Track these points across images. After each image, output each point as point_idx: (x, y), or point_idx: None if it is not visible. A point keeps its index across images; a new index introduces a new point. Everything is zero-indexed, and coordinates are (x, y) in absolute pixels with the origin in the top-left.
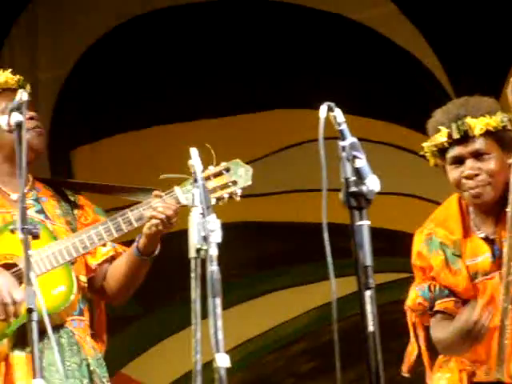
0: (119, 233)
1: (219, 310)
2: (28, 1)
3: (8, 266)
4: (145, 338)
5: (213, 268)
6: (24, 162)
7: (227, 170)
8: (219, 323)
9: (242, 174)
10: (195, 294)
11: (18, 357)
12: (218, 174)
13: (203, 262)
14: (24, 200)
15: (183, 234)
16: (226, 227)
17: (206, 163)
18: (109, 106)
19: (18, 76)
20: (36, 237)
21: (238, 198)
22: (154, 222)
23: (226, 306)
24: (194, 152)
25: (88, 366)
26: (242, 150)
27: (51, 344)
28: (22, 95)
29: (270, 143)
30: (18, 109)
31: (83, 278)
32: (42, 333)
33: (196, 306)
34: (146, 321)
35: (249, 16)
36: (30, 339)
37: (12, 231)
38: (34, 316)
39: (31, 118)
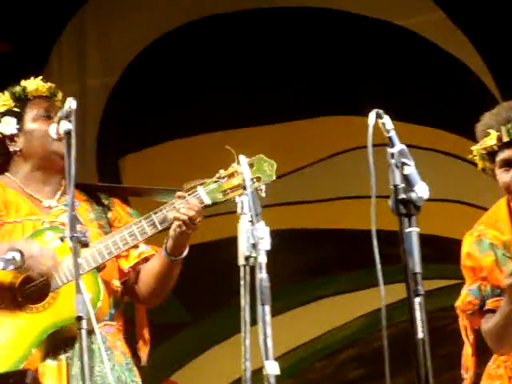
0: (144, 236)
1: (268, 317)
2: (77, 8)
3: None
4: (194, 345)
5: (262, 275)
6: (73, 169)
7: (251, 166)
8: (268, 330)
9: (265, 170)
10: (244, 301)
11: (49, 366)
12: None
13: (252, 270)
14: (73, 207)
15: (232, 241)
16: (274, 234)
17: (229, 162)
18: (157, 113)
19: (49, 84)
20: (85, 245)
21: (263, 194)
22: (178, 223)
23: (274, 313)
24: (242, 159)
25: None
26: (290, 157)
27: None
28: (71, 103)
29: (318, 150)
30: (67, 117)
31: (116, 282)
32: (72, 340)
33: (245, 314)
34: (195, 328)
35: (297, 23)
36: (80, 347)
37: (61, 239)
38: (84, 324)
39: None
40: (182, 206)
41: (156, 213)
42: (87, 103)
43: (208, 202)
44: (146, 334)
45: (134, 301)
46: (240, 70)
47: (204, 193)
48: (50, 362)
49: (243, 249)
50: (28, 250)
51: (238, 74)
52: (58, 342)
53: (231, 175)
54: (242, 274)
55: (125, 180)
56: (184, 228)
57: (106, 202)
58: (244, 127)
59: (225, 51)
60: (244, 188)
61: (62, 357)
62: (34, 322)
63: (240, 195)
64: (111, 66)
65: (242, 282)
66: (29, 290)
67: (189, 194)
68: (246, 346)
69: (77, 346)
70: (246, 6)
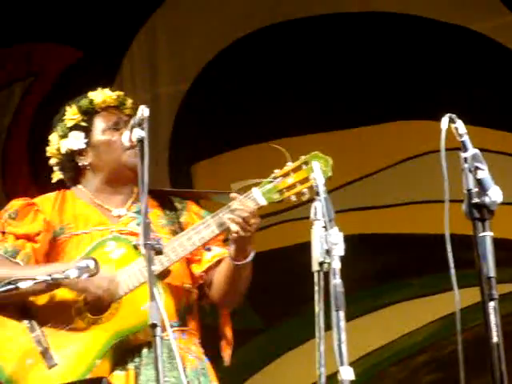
0: (202, 241)
1: (343, 323)
2: (148, 16)
3: None
4: (267, 352)
5: (336, 281)
6: (146, 177)
7: (306, 163)
8: (343, 336)
9: (321, 166)
10: (318, 307)
11: (118, 376)
12: (297, 169)
13: (326, 275)
14: (146, 215)
15: (306, 247)
16: (347, 240)
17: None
18: (228, 119)
19: (117, 92)
20: (159, 252)
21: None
22: (232, 225)
23: (348, 318)
24: (315, 165)
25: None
26: (361, 163)
27: (149, 360)
28: (144, 111)
29: (390, 155)
30: (140, 125)
31: (188, 287)
32: (138, 349)
33: (320, 320)
34: (269, 334)
35: (369, 28)
36: (154, 354)
37: (135, 247)
38: (158, 331)
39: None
40: (235, 208)
41: (213, 216)
42: (159, 111)
43: (263, 202)
44: (229, 334)
45: (210, 304)
46: (311, 76)
47: (259, 193)
48: (117, 372)
49: (317, 255)
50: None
51: (309, 80)
52: (125, 351)
53: (286, 174)
54: (315, 279)
55: (197, 187)
56: (239, 230)
57: (179, 205)
58: (315, 133)
59: (296, 57)
60: (317, 194)
61: (130, 366)
62: (98, 334)
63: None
64: (183, 74)
65: (315, 288)
66: (93, 302)
67: (244, 196)
68: (320, 352)
69: (143, 354)
70: (316, 11)
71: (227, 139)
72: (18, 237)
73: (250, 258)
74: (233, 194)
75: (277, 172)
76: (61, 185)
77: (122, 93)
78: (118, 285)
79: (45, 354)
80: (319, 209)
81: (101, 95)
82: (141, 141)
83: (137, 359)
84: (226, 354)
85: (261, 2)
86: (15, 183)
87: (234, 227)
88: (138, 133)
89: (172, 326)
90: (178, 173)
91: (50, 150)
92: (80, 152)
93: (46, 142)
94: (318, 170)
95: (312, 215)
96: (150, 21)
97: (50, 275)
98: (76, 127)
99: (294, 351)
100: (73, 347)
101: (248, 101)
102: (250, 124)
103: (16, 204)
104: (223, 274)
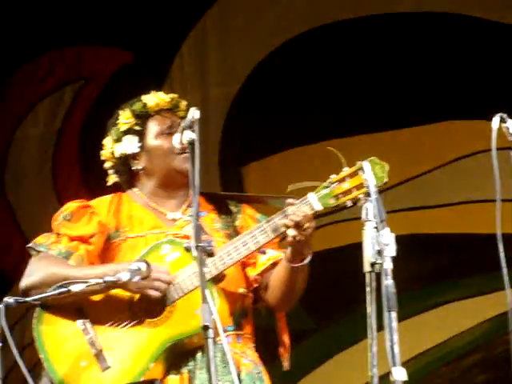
0: (257, 245)
1: (395, 323)
2: (198, 18)
3: None
4: (319, 352)
5: (388, 282)
6: (197, 179)
7: (362, 169)
8: (395, 337)
9: (377, 172)
10: (371, 308)
11: (173, 379)
12: (353, 175)
13: (378, 276)
14: (197, 217)
15: (357, 248)
16: (398, 240)
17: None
18: (279, 121)
19: (170, 95)
20: (211, 254)
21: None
22: (287, 230)
23: (399, 318)
24: (366, 166)
25: (240, 382)
26: (413, 163)
27: (203, 364)
28: (194, 113)
29: (442, 154)
30: (190, 127)
31: (242, 291)
32: (193, 352)
33: (372, 321)
34: (321, 335)
35: (418, 28)
36: (207, 356)
37: (187, 249)
38: (210, 333)
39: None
40: (291, 213)
41: (268, 221)
42: (209, 112)
43: (319, 207)
44: (286, 339)
45: (266, 307)
46: (362, 76)
47: (315, 199)
48: (172, 376)
49: (369, 255)
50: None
51: (360, 80)
52: (179, 354)
53: (342, 180)
54: (367, 280)
55: (248, 188)
56: (294, 234)
57: (234, 209)
58: (366, 133)
59: (347, 57)
60: (368, 195)
61: (184, 370)
62: (152, 337)
63: (353, 202)
64: (233, 75)
65: (367, 289)
66: (147, 305)
67: (300, 201)
68: (373, 352)
69: (198, 357)
70: (364, 12)
71: (278, 140)
72: (72, 239)
73: (306, 261)
74: (289, 200)
75: (333, 177)
76: (116, 188)
77: (175, 95)
78: (174, 287)
79: (98, 356)
80: (370, 210)
81: (154, 98)
82: (191, 143)
83: (191, 363)
84: (285, 358)
85: (311, 4)
86: (66, 186)
87: (290, 232)
88: (189, 135)
89: (227, 331)
90: (229, 175)
91: (105, 154)
92: (134, 156)
93: (97, 145)
94: (369, 171)
95: (363, 216)
96: (200, 22)
97: (102, 278)
98: (130, 131)
99: (346, 352)
100: (126, 350)
101: (299, 101)
102: (301, 125)
103: (71, 206)
104: (279, 277)
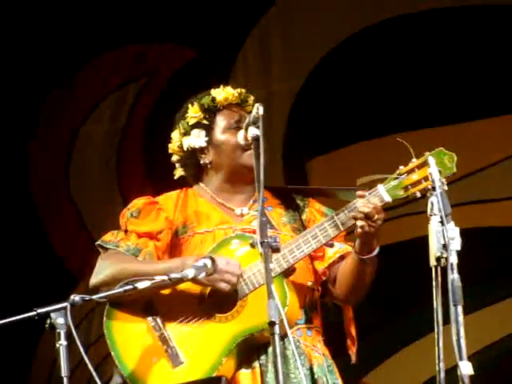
0: (326, 238)
1: (461, 317)
2: (261, 14)
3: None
4: (386, 346)
5: (453, 276)
6: (262, 175)
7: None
8: (461, 331)
9: (446, 163)
10: (436, 302)
11: (244, 373)
12: (421, 166)
13: (444, 270)
14: (263, 213)
15: (421, 242)
16: (463, 233)
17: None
18: (343, 115)
19: (239, 90)
20: (276, 250)
21: (445, 187)
22: (357, 222)
23: (465, 312)
24: (431, 160)
25: (312, 374)
26: (476, 156)
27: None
28: (259, 109)
29: (506, 147)
30: (255, 123)
31: (310, 284)
32: (265, 347)
33: (438, 315)
34: (387, 329)
35: (478, 21)
36: (273, 352)
37: (252, 245)
38: (276, 329)
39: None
40: (360, 205)
41: (338, 214)
42: (273, 108)
43: (388, 199)
44: (354, 332)
45: (334, 301)
46: (427, 70)
47: (384, 190)
48: (244, 370)
49: (434, 250)
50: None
51: (424, 74)
52: (250, 349)
53: (411, 171)
54: (433, 274)
55: (312, 183)
56: (364, 225)
57: (301, 203)
58: (431, 127)
59: (407, 51)
60: (433, 189)
61: (256, 364)
62: (224, 332)
63: (422, 193)
64: (296, 70)
65: (433, 283)
66: (218, 300)
67: (369, 193)
68: (439, 347)
69: (269, 352)
70: (427, 5)
71: (342, 135)
72: (140, 235)
73: (375, 253)
74: (359, 192)
75: (401, 168)
76: (181, 183)
77: (243, 90)
78: (246, 274)
79: (170, 352)
80: (436, 204)
81: (223, 93)
82: (256, 139)
83: (263, 357)
84: (352, 351)
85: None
86: (131, 183)
87: (360, 223)
88: (254, 131)
89: (297, 324)
90: (293, 170)
91: (172, 147)
92: (201, 150)
93: (161, 142)
94: (433, 165)
95: (429, 210)
96: (263, 19)
97: (167, 275)
98: (197, 125)
99: (412, 346)
100: (198, 345)
101: (363, 96)
102: (365, 119)
103: (138, 203)
104: (347, 270)
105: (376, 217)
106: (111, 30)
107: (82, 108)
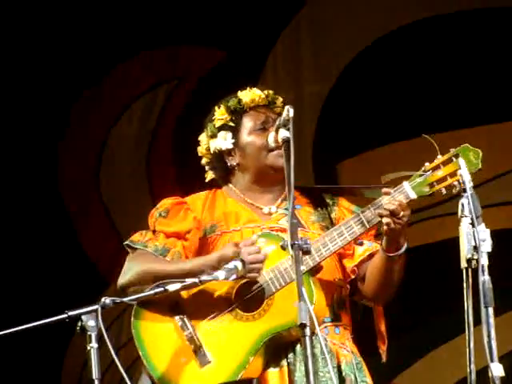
0: (352, 236)
1: (492, 319)
2: (291, 16)
3: (250, 284)
4: (417, 348)
5: (484, 277)
6: (292, 177)
7: (456, 156)
8: (492, 332)
9: (472, 159)
10: (467, 304)
11: (272, 372)
12: (447, 162)
13: (474, 272)
14: (293, 215)
15: (451, 243)
16: (494, 234)
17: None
18: (373, 117)
19: (266, 91)
20: (307, 252)
21: (470, 184)
22: (383, 219)
23: (495, 314)
24: (461, 162)
25: (340, 373)
26: (507, 157)
27: (301, 357)
28: (289, 111)
29: None
30: (285, 125)
31: (339, 282)
32: (292, 345)
33: (469, 317)
34: (419, 330)
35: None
36: (304, 353)
37: (282, 247)
38: (307, 331)
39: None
40: (386, 202)
41: (363, 211)
42: (303, 110)
43: (414, 196)
44: (383, 330)
45: (362, 299)
46: (455, 71)
47: (409, 187)
48: (271, 369)
49: (465, 251)
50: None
51: (450, 76)
52: (278, 348)
53: (436, 168)
54: (464, 276)
55: (342, 185)
56: (390, 222)
57: (330, 202)
58: (461, 128)
59: (436, 53)
60: (464, 190)
61: (284, 363)
62: (251, 330)
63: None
64: (326, 72)
65: (464, 285)
66: (244, 299)
67: (394, 190)
68: (470, 349)
69: (297, 350)
70: (458, 7)
71: (372, 137)
72: (168, 235)
73: (402, 250)
74: (384, 189)
75: (427, 165)
76: (211, 185)
77: (271, 91)
78: (272, 281)
79: (198, 352)
80: (466, 206)
81: (249, 94)
82: (286, 141)
83: (291, 356)
84: (382, 350)
85: (403, 1)
86: (161, 185)
87: (385, 220)
88: (284, 133)
89: (324, 322)
90: (323, 172)
91: (201, 150)
92: (228, 152)
93: (191, 144)
94: (464, 167)
95: (459, 212)
96: (293, 21)
97: (198, 278)
98: (224, 127)
99: (442, 347)
100: (225, 344)
101: (392, 98)
102: (395, 121)
103: (167, 202)
104: (376, 267)
105: (402, 214)
106: (143, 32)
107: (113, 109)
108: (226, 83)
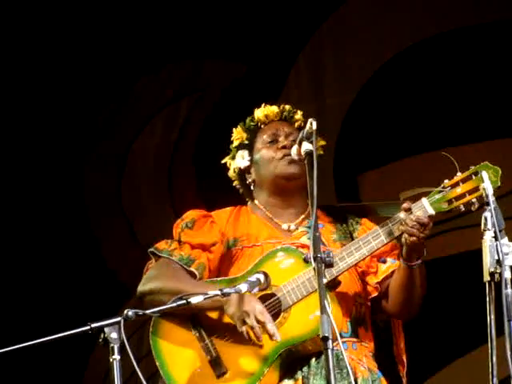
0: (370, 250)
1: None
2: (314, 30)
3: (267, 297)
4: (438, 358)
5: (507, 291)
6: (315, 190)
7: (476, 173)
8: None
9: (490, 176)
10: (490, 318)
11: None
12: (466, 179)
13: (497, 285)
14: (316, 228)
15: (471, 256)
16: None
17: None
18: (395, 129)
19: (282, 106)
20: (330, 265)
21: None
22: (405, 235)
23: None
24: (484, 175)
25: None
26: None
27: (317, 370)
28: (312, 124)
29: None
30: (308, 138)
31: (359, 299)
32: (307, 358)
33: (491, 330)
34: (436, 342)
35: None
36: (326, 367)
37: (305, 260)
38: (329, 344)
39: (283, 147)
40: (407, 218)
41: (382, 226)
42: (324, 122)
43: (432, 212)
44: (404, 356)
45: (388, 315)
46: (474, 85)
47: (428, 204)
48: (286, 381)
49: (488, 265)
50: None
51: (471, 89)
52: (293, 360)
53: (455, 184)
54: (487, 290)
55: (363, 197)
56: (413, 238)
57: (353, 221)
58: (480, 141)
59: (460, 65)
60: (487, 204)
61: (299, 375)
62: (266, 342)
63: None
64: (348, 85)
65: (487, 299)
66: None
67: (413, 206)
68: (492, 362)
69: (312, 363)
70: (483, 19)
71: (393, 149)
72: (193, 246)
73: (420, 260)
74: (405, 204)
75: (446, 182)
76: (231, 200)
77: (288, 106)
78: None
79: (214, 362)
80: (489, 219)
81: (263, 111)
82: (309, 154)
83: (305, 368)
84: (402, 373)
85: (425, 14)
86: (182, 198)
87: (406, 236)
88: (307, 146)
89: (342, 337)
90: (344, 184)
91: (230, 173)
92: (247, 170)
93: (213, 157)
94: (487, 181)
95: (482, 225)
96: (316, 34)
97: (221, 290)
98: (240, 146)
99: (462, 359)
100: (241, 356)
101: (413, 111)
102: (416, 134)
103: (193, 214)
104: (398, 281)
105: (421, 230)
106: (166, 46)
107: (135, 122)
108: (249, 96)
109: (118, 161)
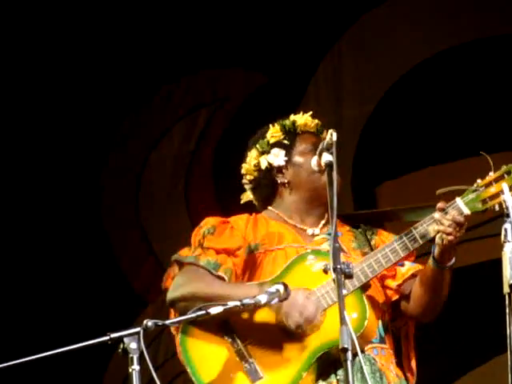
0: (405, 252)
1: None
2: (334, 42)
3: None
4: (454, 368)
5: None
6: (335, 201)
7: (509, 173)
8: None
9: None
10: (509, 329)
11: None
12: (498, 179)
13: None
14: (336, 238)
15: (491, 265)
16: None
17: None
18: (413, 140)
19: (316, 120)
20: (349, 276)
21: None
22: (441, 235)
23: None
24: (505, 187)
25: None
26: None
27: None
28: (332, 135)
29: None
30: (328, 149)
31: (383, 306)
32: (341, 362)
33: (511, 342)
34: (451, 353)
35: None
36: (346, 378)
37: (325, 271)
38: (349, 355)
39: None
40: (443, 218)
41: (416, 228)
42: (343, 133)
43: (467, 212)
44: (413, 364)
45: (409, 319)
46: (498, 93)
47: (462, 203)
48: (320, 383)
49: (508, 276)
50: (291, 299)
51: (493, 98)
52: (328, 364)
53: (489, 184)
54: (506, 302)
55: (382, 208)
56: (450, 237)
57: (369, 231)
58: (502, 151)
59: (478, 76)
60: (507, 216)
61: (333, 379)
62: (303, 346)
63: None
64: (367, 96)
65: (507, 310)
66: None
67: (448, 206)
68: None
69: (341, 371)
70: (500, 31)
71: (412, 160)
72: (218, 251)
73: (453, 261)
74: (439, 204)
75: (479, 182)
76: (248, 208)
77: (319, 122)
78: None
79: (248, 368)
80: (509, 231)
81: (303, 118)
82: (329, 165)
83: (340, 372)
84: (410, 373)
85: (445, 26)
86: (199, 208)
87: (442, 236)
88: (327, 157)
89: (372, 342)
90: (362, 194)
91: (247, 167)
92: (279, 169)
93: (231, 167)
94: (507, 191)
95: (502, 237)
96: (336, 46)
97: (240, 301)
98: (277, 144)
99: (476, 371)
100: (276, 360)
101: (431, 122)
102: (434, 145)
103: (211, 221)
104: (422, 284)
105: (455, 229)
106: (185, 56)
107: (153, 133)
108: (268, 107)
109: (136, 172)
